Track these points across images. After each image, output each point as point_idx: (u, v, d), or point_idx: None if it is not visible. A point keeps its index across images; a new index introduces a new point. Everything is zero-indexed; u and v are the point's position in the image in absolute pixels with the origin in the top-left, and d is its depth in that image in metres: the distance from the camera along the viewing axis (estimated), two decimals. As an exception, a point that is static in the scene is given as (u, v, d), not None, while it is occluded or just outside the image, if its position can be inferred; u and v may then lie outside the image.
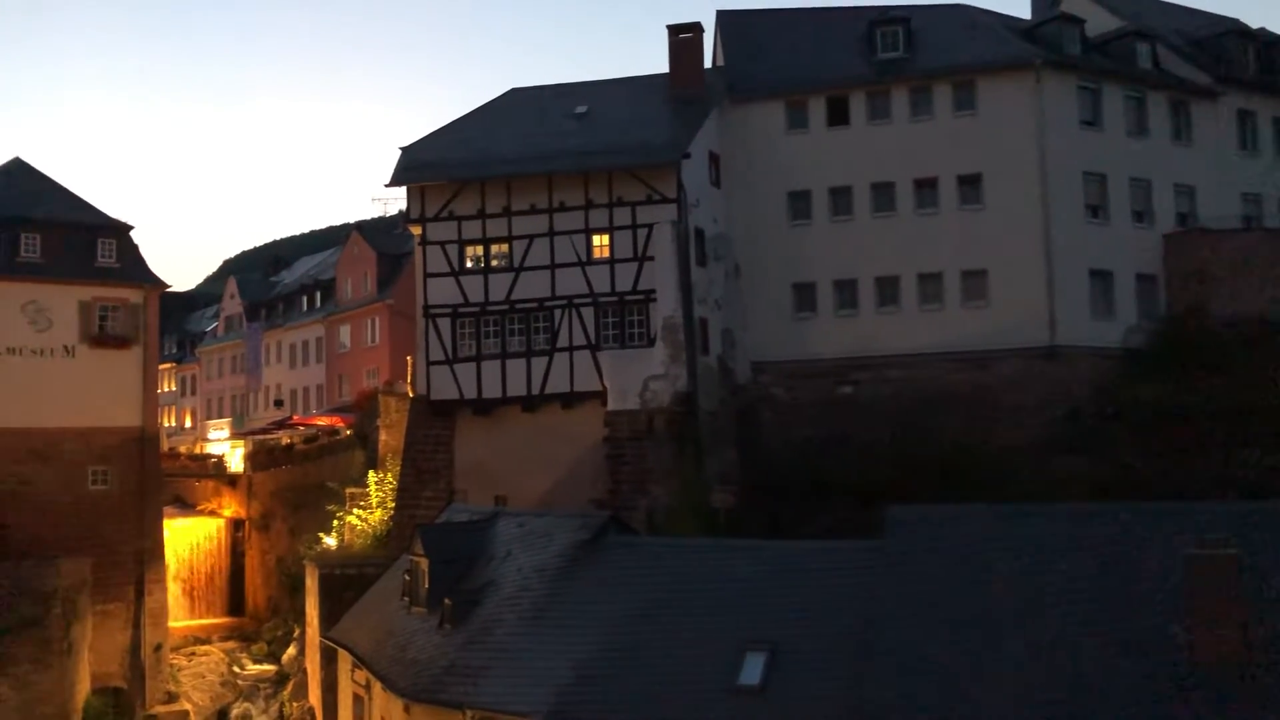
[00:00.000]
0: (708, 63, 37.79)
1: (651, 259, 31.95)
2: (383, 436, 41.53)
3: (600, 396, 32.01)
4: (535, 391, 32.52)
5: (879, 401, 33.41)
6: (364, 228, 71.93)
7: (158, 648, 45.44)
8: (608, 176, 32.31)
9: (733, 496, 29.31)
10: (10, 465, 41.60)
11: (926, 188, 34.24)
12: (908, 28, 35.73)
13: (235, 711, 43.67)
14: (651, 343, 31.80)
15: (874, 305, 34.52)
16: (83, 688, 39.05)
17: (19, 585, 36.74)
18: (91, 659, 40.36)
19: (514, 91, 38.98)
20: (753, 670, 17.54)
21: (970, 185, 33.91)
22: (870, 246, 34.34)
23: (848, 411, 33.61)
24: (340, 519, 39.31)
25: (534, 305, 32.65)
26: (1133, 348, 33.60)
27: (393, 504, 35.51)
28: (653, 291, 31.90)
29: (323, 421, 57.39)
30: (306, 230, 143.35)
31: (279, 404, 69.99)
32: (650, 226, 31.99)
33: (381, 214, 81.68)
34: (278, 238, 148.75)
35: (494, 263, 33.22)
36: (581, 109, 35.58)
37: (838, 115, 35.18)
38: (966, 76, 34.17)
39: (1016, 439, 31.38)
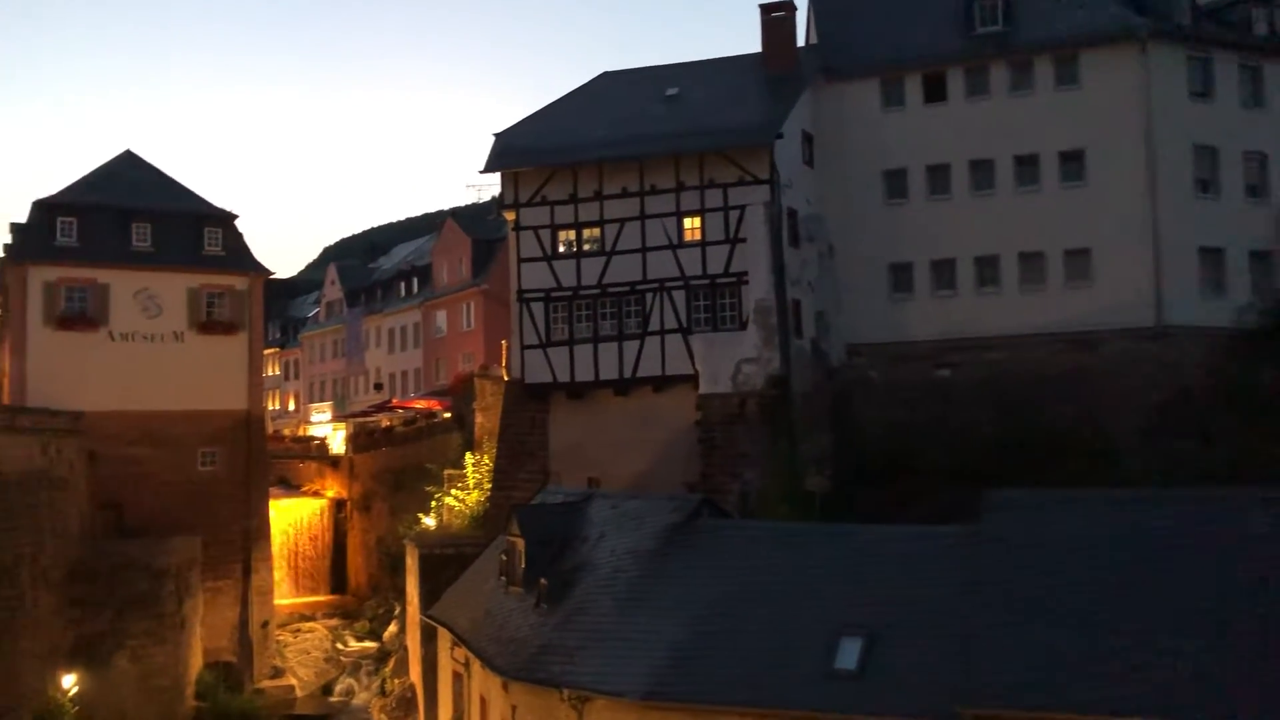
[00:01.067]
0: (800, 41, 37.34)
1: (743, 241, 31.75)
2: (479, 419, 42.16)
3: (692, 380, 31.97)
4: (627, 375, 32.62)
5: (978, 384, 32.74)
6: (458, 214, 73.09)
7: (264, 624, 46.94)
8: (699, 158, 32.17)
9: (827, 480, 29.01)
10: (125, 447, 43.22)
11: (1027, 165, 33.36)
12: (1006, 0, 34.79)
13: (339, 687, 44.94)
14: (744, 326, 31.63)
15: (973, 286, 33.80)
16: (195, 662, 40.56)
17: (135, 562, 38.29)
18: (203, 634, 41.87)
19: (605, 75, 39.02)
20: (849, 655, 17.38)
21: (1073, 161, 32.93)
22: (969, 225, 33.62)
23: (945, 394, 33.02)
24: (438, 500, 40.05)
25: (625, 289, 32.72)
26: (1246, 328, 32.31)
27: (489, 485, 36.03)
28: (745, 274, 31.71)
29: (421, 405, 58.51)
30: (403, 217, 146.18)
31: (378, 387, 71.56)
32: (742, 208, 31.78)
33: (475, 200, 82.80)
34: (376, 225, 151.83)
35: (586, 247, 33.36)
36: (673, 91, 35.46)
37: (934, 92, 34.46)
38: (1068, 49, 33.14)
39: (1122, 422, 30.49)
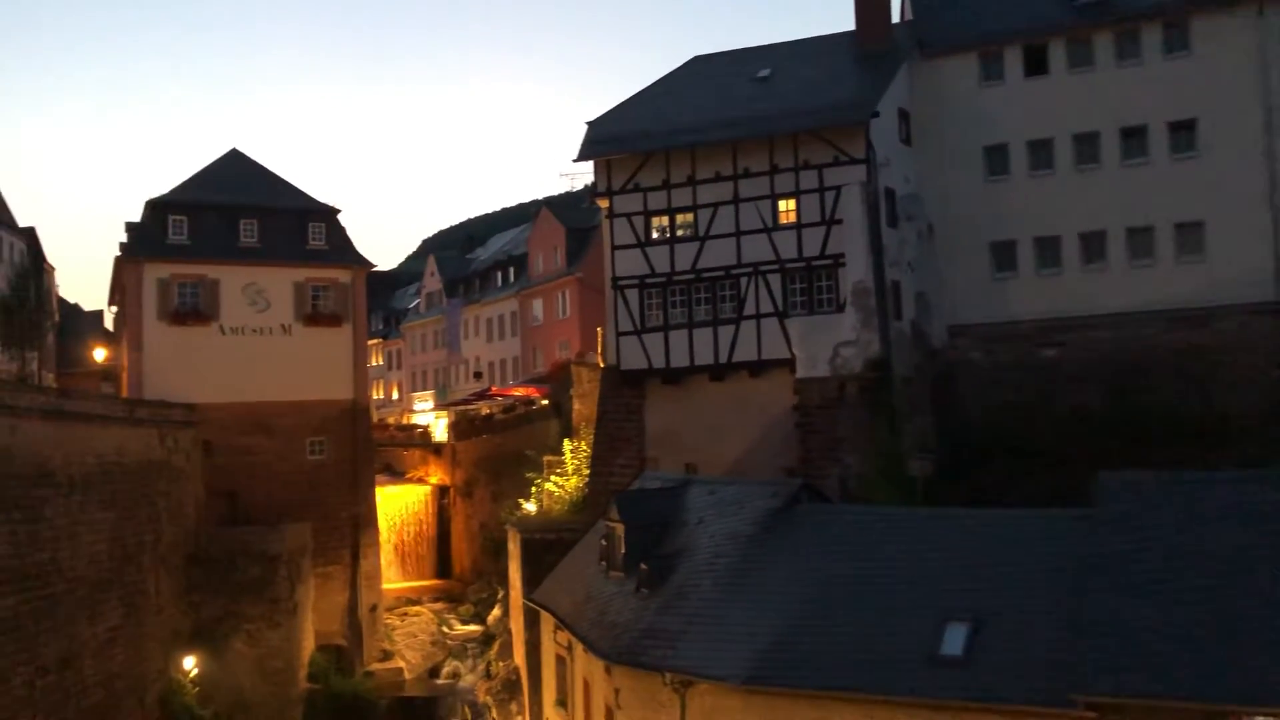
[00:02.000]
0: (895, 17, 36.64)
1: (840, 222, 31.35)
2: (576, 406, 42.48)
3: (789, 364, 31.72)
4: (722, 360, 32.52)
5: (1084, 364, 31.84)
6: (553, 203, 73.56)
7: (373, 608, 48.09)
8: (793, 140, 31.84)
9: (930, 464, 28.53)
10: (237, 437, 44.64)
11: (1134, 137, 32.23)
12: (1111, -33, 33.59)
13: (445, 669, 45.83)
14: (841, 308, 31.25)
15: (1078, 263, 32.83)
16: (308, 645, 41.75)
17: (249, 549, 39.52)
18: (314, 618, 43.05)
19: (697, 59, 38.85)
20: (955, 641, 17.09)
21: (1183, 131, 31.71)
22: (1073, 201, 32.65)
23: (1051, 375, 32.20)
24: (538, 485, 40.50)
25: (720, 274, 32.59)
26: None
27: (587, 471, 36.31)
28: (841, 256, 31.31)
29: (519, 392, 59.21)
30: (499, 208, 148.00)
31: (478, 376, 72.64)
32: (838, 189, 31.37)
33: (569, 189, 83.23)
34: (472, 216, 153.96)
35: (679, 232, 33.31)
36: (765, 73, 35.14)
37: (1035, 65, 33.50)
38: (1178, 15, 31.87)
39: (1237, 402, 29.35)
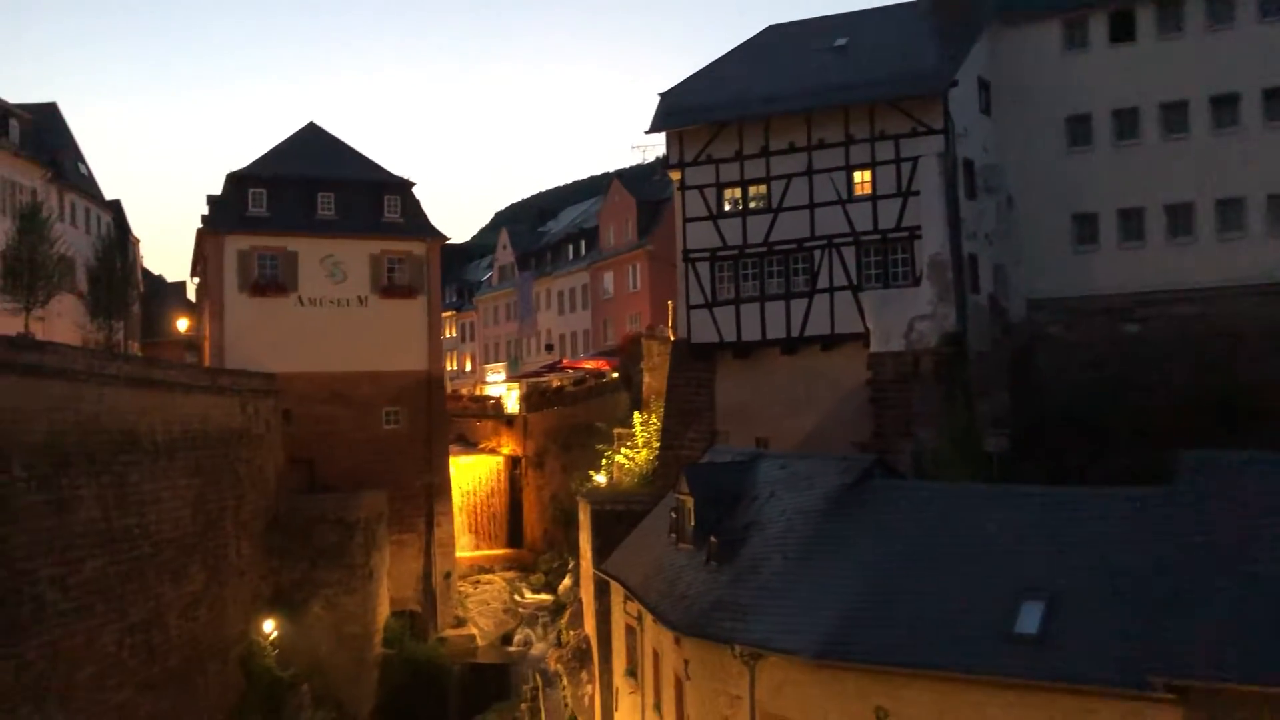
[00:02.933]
0: (975, -17, 35.73)
1: (916, 194, 30.83)
2: (646, 379, 42.54)
3: (862, 338, 31.37)
4: (795, 334, 32.26)
5: (1168, 340, 30.99)
6: (624, 176, 73.41)
7: (446, 575, 48.90)
8: (869, 110, 31.34)
9: (1006, 440, 28.05)
10: (316, 406, 45.58)
11: (1225, 105, 31.15)
12: (1203, -72, 32.37)
13: (517, 637, 46.45)
14: (917, 281, 30.78)
15: (1164, 235, 31.91)
16: (383, 610, 42.62)
17: (326, 516, 40.41)
18: (389, 584, 43.93)
19: (771, 29, 38.36)
20: (1030, 619, 16.79)
21: (1278, 99, 30.54)
22: (1159, 171, 31.69)
23: (1132, 351, 31.42)
24: (608, 458, 40.70)
25: (793, 246, 32.28)
26: None
27: (657, 444, 36.37)
28: (918, 228, 30.80)
29: (590, 365, 59.45)
30: (570, 181, 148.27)
31: (549, 348, 73.09)
32: (915, 160, 30.82)
33: (640, 161, 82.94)
34: (545, 189, 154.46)
35: (752, 204, 33.04)
36: (841, 41, 34.60)
37: (1122, 30, 32.50)
38: (1274, -24, 30.66)
39: (1333, 380, 28.31)
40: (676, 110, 34.51)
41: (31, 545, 24.23)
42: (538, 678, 37.57)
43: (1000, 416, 30.63)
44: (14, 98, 50.59)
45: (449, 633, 47.28)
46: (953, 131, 30.89)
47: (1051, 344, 32.77)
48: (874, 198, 31.35)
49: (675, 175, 34.58)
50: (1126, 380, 30.65)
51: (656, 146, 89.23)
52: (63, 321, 44.60)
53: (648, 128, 34.70)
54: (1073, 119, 32.94)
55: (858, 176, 31.64)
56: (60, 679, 24.94)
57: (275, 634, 37.35)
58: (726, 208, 33.42)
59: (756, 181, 32.96)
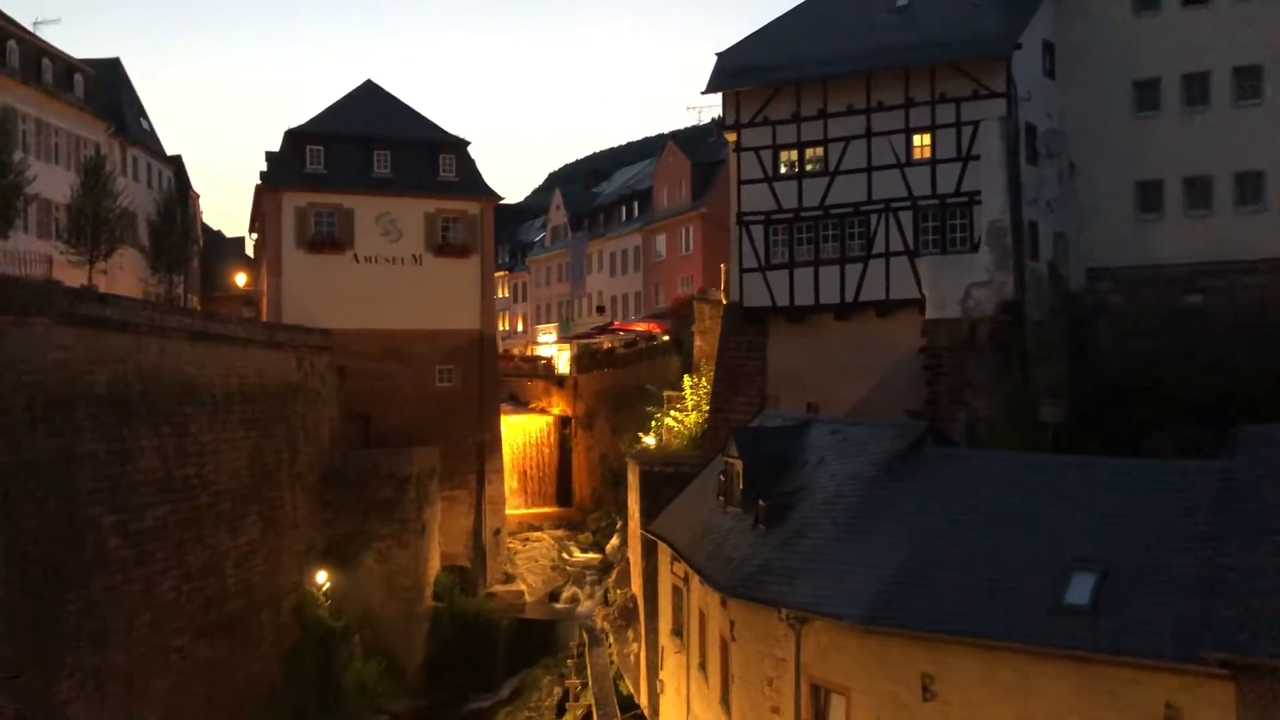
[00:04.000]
0: (1043, -57, 34.84)
1: (977, 158, 30.27)
2: (697, 342, 42.49)
3: (918, 304, 31.01)
4: (849, 299, 31.97)
5: (1233, 312, 30.24)
6: (679, 137, 72.95)
7: (496, 532, 49.52)
8: (930, 72, 30.77)
9: (1062, 410, 27.63)
10: (370, 363, 46.14)
11: (1302, 70, 30.16)
12: (1284, -118, 31.21)
13: (565, 594, 46.97)
14: (975, 248, 30.32)
15: (1231, 205, 31.02)
16: (434, 565, 43.28)
17: (380, 470, 41.03)
18: (440, 540, 44.57)
19: (832, -12, 37.69)
20: (1081, 590, 16.61)
21: (1358, 64, 29.54)
22: (1229, 138, 30.76)
23: (1195, 322, 30.71)
24: (658, 420, 40.79)
25: (849, 210, 31.91)
26: None
27: (707, 407, 36.36)
28: (977, 193, 30.29)
29: (641, 327, 59.53)
30: (624, 142, 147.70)
31: (600, 310, 73.23)
32: (976, 124, 30.25)
33: (696, 123, 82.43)
34: (599, 150, 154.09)
35: (809, 167, 32.67)
36: (902, 2, 33.93)
37: (1195, -7, 31.53)
38: (1359, -65, 29.53)
39: None
40: (733, 71, 34.14)
41: (94, 492, 24.88)
42: (584, 635, 38.00)
43: (1056, 386, 30.17)
44: (78, 53, 51.34)
45: (498, 588, 47.93)
46: (1015, 95, 30.26)
47: (1111, 314, 32.16)
48: (933, 162, 30.85)
49: (731, 137, 34.27)
50: (1187, 352, 30.01)
51: (712, 107, 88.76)
52: (124, 275, 45.47)
53: (704, 88, 34.40)
54: (1140, 83, 32.04)
55: (917, 140, 31.14)
56: (121, 623, 25.67)
57: (328, 585, 38.09)
58: (782, 170, 33.09)
59: (813, 144, 32.56)
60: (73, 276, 33.76)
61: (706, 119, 72.58)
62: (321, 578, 38.11)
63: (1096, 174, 32.28)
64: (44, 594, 22.93)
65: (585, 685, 34.12)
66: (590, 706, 31.94)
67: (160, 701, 27.10)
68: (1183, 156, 31.32)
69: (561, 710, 35.47)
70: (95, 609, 24.64)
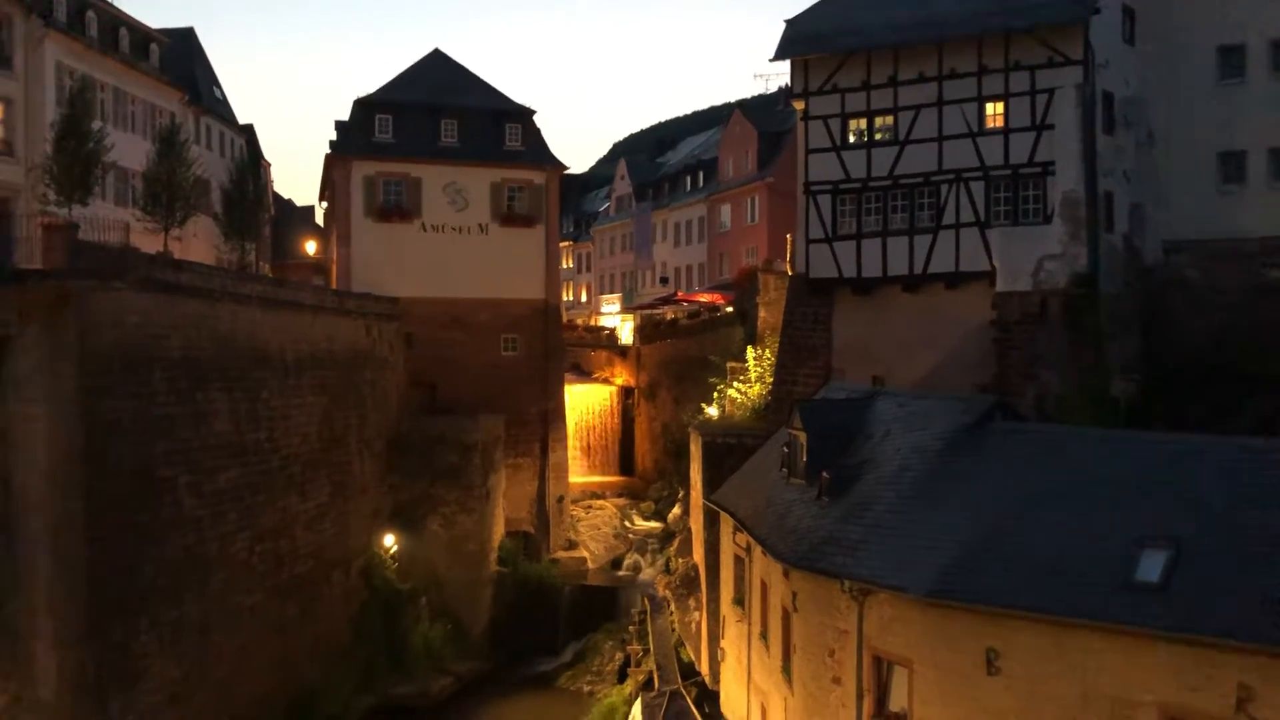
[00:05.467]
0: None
1: (1051, 127, 29.60)
2: (762, 314, 42.24)
3: (988, 277, 30.50)
4: (918, 271, 31.52)
5: (1317, 286, 29.33)
6: (745, 106, 72.27)
7: (560, 499, 49.91)
8: (1004, 39, 30.09)
9: (1135, 386, 27.10)
10: (437, 331, 46.61)
11: (1398, 34, 28.98)
12: None
13: (626, 562, 47.28)
14: (1048, 219, 29.70)
15: (1319, 176, 30.04)
16: (498, 530, 43.82)
17: (446, 437, 41.57)
18: (505, 506, 45.08)
19: (904, -46, 36.96)
20: (1151, 567, 16.31)
21: None
22: (1319, 107, 29.73)
23: (1276, 298, 29.84)
24: (721, 391, 40.71)
25: (919, 180, 31.42)
26: None
27: (771, 379, 36.20)
28: (1051, 163, 29.64)
29: (705, 298, 59.33)
30: (690, 111, 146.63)
31: (664, 281, 73.09)
32: (1051, 92, 29.54)
33: (763, 91, 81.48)
34: (664, 119, 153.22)
35: (878, 136, 32.20)
36: (976, -33, 33.16)
37: (1285, -46, 30.40)
38: None
39: None
40: (802, 38, 33.68)
41: (170, 454, 25.56)
42: (646, 602, 38.22)
43: (1130, 362, 29.57)
44: (153, 22, 52.23)
45: (560, 555, 48.38)
46: (1093, 62, 29.49)
47: (1188, 288, 31.34)
48: (1006, 131, 30.23)
49: (799, 105, 33.87)
50: (1267, 329, 29.18)
51: (780, 75, 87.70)
52: (198, 242, 46.37)
53: (772, 55, 34.05)
54: (1225, 50, 31.05)
55: (990, 109, 30.51)
56: (196, 581, 26.41)
57: (395, 548, 38.78)
58: (851, 139, 32.65)
59: (883, 112, 32.06)
60: (149, 243, 34.53)
61: (774, 87, 71.70)
62: (389, 541, 38.80)
63: (1177, 144, 31.42)
64: (124, 551, 23.66)
65: (646, 651, 34.34)
66: (651, 672, 32.15)
67: (232, 658, 27.89)
68: (1268, 126, 30.33)
69: (623, 675, 35.76)
70: (172, 566, 25.37)
